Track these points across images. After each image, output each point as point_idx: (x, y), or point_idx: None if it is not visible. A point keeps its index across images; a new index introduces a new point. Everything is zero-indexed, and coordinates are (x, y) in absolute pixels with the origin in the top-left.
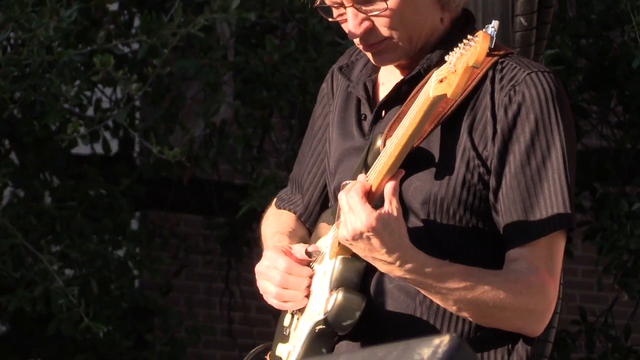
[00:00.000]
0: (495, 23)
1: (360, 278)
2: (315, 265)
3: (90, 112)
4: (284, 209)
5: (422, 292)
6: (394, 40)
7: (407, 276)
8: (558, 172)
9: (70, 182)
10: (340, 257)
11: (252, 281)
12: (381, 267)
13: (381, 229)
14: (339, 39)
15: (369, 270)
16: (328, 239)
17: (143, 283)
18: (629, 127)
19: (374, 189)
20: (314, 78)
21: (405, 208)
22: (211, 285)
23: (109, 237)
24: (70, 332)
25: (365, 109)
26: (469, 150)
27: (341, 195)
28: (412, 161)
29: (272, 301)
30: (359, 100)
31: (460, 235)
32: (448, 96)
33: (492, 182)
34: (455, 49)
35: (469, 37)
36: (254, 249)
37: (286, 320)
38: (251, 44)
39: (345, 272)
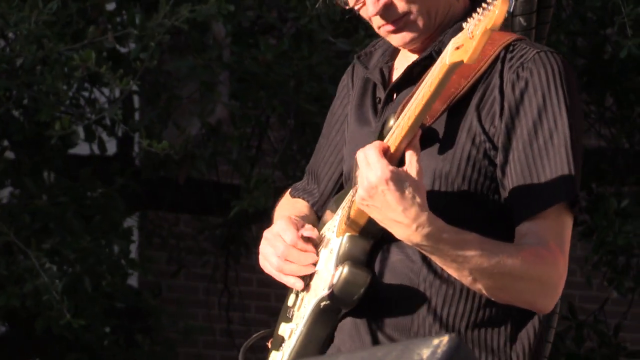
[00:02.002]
0: None
1: (366, 255)
2: (322, 250)
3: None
4: (299, 197)
5: (438, 261)
6: (413, 15)
7: (424, 242)
8: (565, 147)
9: (65, 181)
10: (347, 234)
11: (250, 282)
12: (398, 231)
13: (397, 183)
14: (332, 38)
15: (375, 247)
16: (334, 222)
17: (142, 284)
18: (622, 124)
19: (392, 150)
20: (308, 77)
21: None
22: (210, 285)
23: (101, 235)
24: (57, 330)
25: (380, 92)
26: (475, 127)
27: (359, 153)
28: (421, 140)
29: (271, 270)
30: (375, 86)
31: (466, 212)
32: (465, 61)
33: (500, 157)
34: (473, 15)
35: (485, 4)
36: (253, 250)
37: (290, 301)
38: (247, 43)
39: (352, 249)
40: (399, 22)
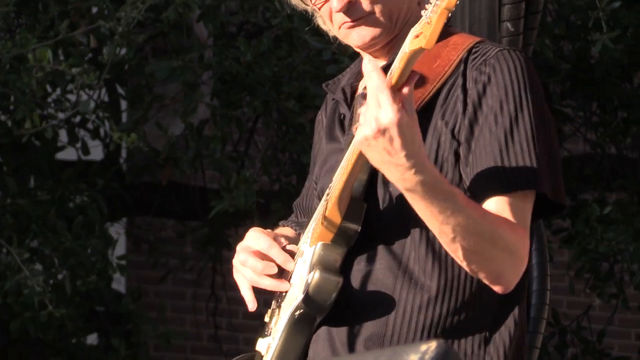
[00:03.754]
0: None
1: (339, 262)
2: (297, 262)
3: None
4: (288, 226)
5: (423, 211)
6: (375, 16)
7: (419, 187)
8: (526, 137)
9: (48, 182)
10: (320, 243)
11: (238, 287)
12: (394, 174)
13: (406, 128)
14: (317, 43)
15: (349, 257)
16: (308, 233)
17: (129, 289)
18: (605, 128)
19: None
20: (289, 77)
21: (385, 196)
22: (197, 291)
23: (83, 236)
24: (34, 331)
25: (344, 109)
26: (440, 127)
27: (369, 94)
28: None
29: (243, 282)
30: (340, 105)
31: None
32: (423, 47)
33: (463, 149)
34: (429, 3)
35: None
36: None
37: (267, 317)
38: (228, 44)
39: (325, 256)
40: (361, 20)
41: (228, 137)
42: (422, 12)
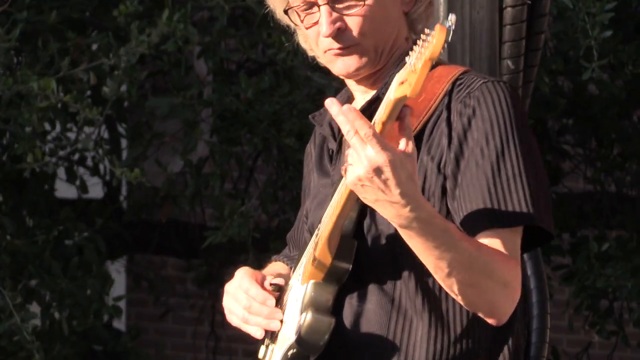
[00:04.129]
0: (452, 17)
1: (331, 301)
2: (288, 299)
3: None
4: (280, 261)
5: (418, 247)
6: (363, 46)
7: (414, 224)
8: (513, 169)
9: (46, 221)
10: (311, 281)
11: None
12: (389, 212)
13: (399, 166)
14: (310, 72)
15: (342, 294)
16: (299, 270)
17: (129, 327)
18: (601, 162)
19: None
20: (289, 114)
21: (375, 235)
22: (197, 329)
23: (80, 276)
24: None
25: (332, 144)
26: (426, 162)
27: (357, 132)
28: None
29: (237, 322)
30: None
31: None
32: (408, 95)
33: (449, 183)
34: (414, 47)
35: (426, 31)
36: None
37: (260, 353)
38: (228, 80)
39: (316, 296)
40: (349, 49)
41: (227, 174)
42: (407, 58)
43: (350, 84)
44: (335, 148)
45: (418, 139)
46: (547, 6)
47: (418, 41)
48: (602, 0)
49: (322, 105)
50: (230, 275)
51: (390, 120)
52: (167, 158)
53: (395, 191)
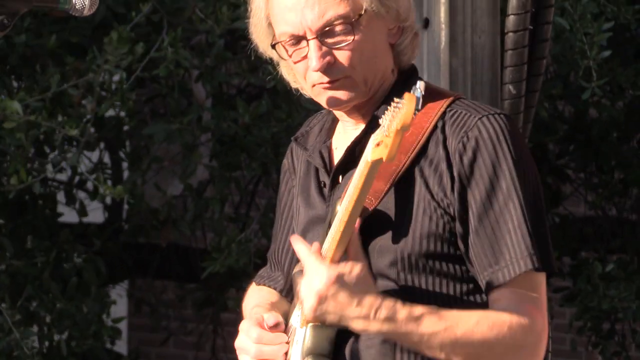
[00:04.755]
0: (420, 84)
1: (331, 344)
2: (291, 340)
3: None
4: (264, 285)
5: (406, 344)
6: (353, 78)
7: (384, 327)
8: (521, 213)
9: (46, 243)
10: (310, 325)
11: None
12: (358, 325)
13: (343, 281)
14: (310, 105)
15: (343, 334)
16: (298, 310)
17: (130, 352)
18: (603, 188)
19: (329, 256)
20: (287, 138)
21: (373, 272)
22: (198, 354)
23: (79, 298)
24: None
25: (323, 177)
26: (429, 202)
27: (303, 273)
28: (372, 224)
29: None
30: (317, 168)
31: (436, 287)
32: (384, 160)
33: (459, 228)
34: (386, 111)
35: (396, 100)
36: (240, 317)
37: None
38: (226, 105)
39: (315, 341)
40: (338, 82)
41: (227, 198)
42: (380, 120)
43: (340, 115)
44: (328, 182)
45: (410, 174)
46: (549, 31)
47: (392, 103)
48: (599, 21)
49: None
50: (230, 300)
51: (367, 182)
52: (167, 181)
53: (352, 302)
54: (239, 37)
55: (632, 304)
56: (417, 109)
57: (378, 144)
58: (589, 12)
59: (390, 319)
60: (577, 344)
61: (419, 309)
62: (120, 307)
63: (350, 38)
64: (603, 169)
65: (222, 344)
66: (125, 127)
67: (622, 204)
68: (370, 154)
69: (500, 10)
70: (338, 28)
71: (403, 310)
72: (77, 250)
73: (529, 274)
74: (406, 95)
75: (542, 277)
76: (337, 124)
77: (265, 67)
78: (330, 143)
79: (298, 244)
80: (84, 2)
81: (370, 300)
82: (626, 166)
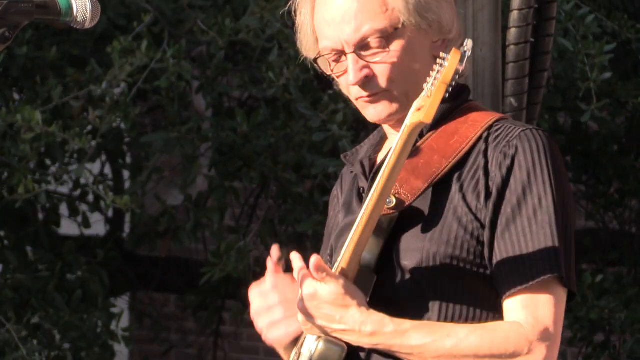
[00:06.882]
0: (468, 42)
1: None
2: (303, 347)
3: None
4: None
5: (401, 353)
6: (392, 92)
7: (374, 341)
8: (549, 223)
9: (49, 256)
10: (321, 337)
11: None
12: (350, 339)
13: (323, 296)
14: (305, 110)
15: (355, 351)
16: None
17: None
18: (600, 199)
19: (347, 257)
20: (286, 147)
21: (400, 269)
22: None
23: (83, 309)
24: None
25: (362, 183)
26: (462, 208)
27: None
28: (404, 221)
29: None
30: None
31: (457, 291)
32: (422, 120)
33: (486, 235)
34: (430, 73)
35: (441, 54)
36: (240, 329)
37: None
38: (225, 115)
39: (326, 353)
40: (377, 95)
41: (227, 207)
42: (424, 85)
43: (387, 128)
44: (366, 186)
45: (448, 180)
46: (550, 44)
47: (434, 66)
48: (601, 42)
49: (319, 138)
50: (230, 310)
51: (405, 147)
52: (167, 192)
53: (336, 316)
54: (240, 50)
55: (621, 314)
56: (461, 64)
57: (419, 109)
58: (591, 32)
59: (377, 333)
60: (567, 356)
61: (404, 323)
62: (121, 320)
63: (387, 52)
64: (601, 179)
65: (222, 356)
66: (127, 139)
67: (621, 216)
68: (410, 117)
69: (501, 23)
70: (375, 42)
71: (390, 325)
72: (79, 262)
73: (550, 283)
74: (453, 50)
75: (562, 293)
76: (385, 141)
77: (263, 78)
78: (376, 157)
79: (295, 260)
80: (85, 15)
81: (354, 315)
82: (624, 177)
